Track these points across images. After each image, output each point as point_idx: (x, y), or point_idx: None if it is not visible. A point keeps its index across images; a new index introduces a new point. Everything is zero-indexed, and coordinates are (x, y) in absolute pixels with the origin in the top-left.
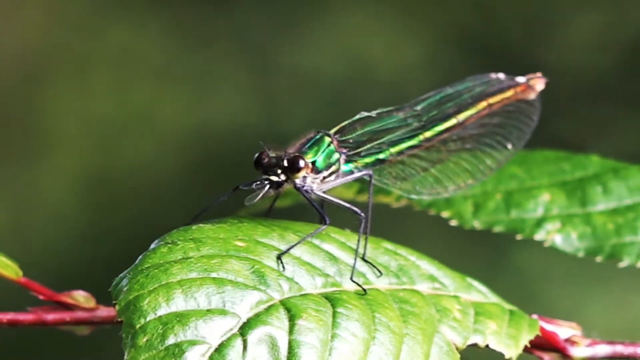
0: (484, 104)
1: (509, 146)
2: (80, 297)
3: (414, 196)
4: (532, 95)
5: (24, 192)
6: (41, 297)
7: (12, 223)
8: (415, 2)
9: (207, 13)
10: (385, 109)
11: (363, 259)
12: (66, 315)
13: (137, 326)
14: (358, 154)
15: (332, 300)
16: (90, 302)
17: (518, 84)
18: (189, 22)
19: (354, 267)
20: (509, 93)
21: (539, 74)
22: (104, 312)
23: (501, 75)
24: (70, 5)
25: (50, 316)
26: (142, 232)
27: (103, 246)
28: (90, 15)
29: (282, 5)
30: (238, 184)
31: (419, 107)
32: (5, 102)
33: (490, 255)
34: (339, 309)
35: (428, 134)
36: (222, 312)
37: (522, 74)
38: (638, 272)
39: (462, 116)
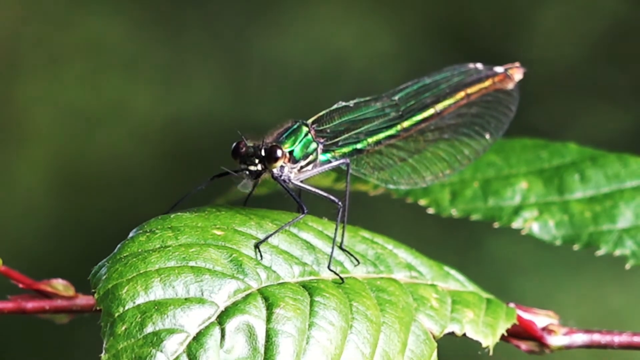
0: (462, 94)
1: (487, 136)
2: (60, 285)
3: (391, 186)
4: (510, 85)
5: None
6: (21, 285)
7: None
8: None
9: (179, 3)
10: (363, 99)
11: (340, 247)
12: (45, 304)
13: (116, 315)
14: (335, 144)
15: (309, 289)
16: (70, 291)
17: (496, 74)
18: (160, 12)
19: (331, 256)
20: (487, 83)
21: (517, 64)
22: (83, 300)
23: (479, 65)
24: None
25: (30, 304)
26: (116, 223)
27: (76, 237)
28: (62, 7)
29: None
30: (216, 173)
31: (396, 97)
32: None
33: (462, 245)
34: (317, 298)
35: (406, 123)
36: (200, 300)
37: (496, 64)
38: (613, 261)
39: (439, 106)
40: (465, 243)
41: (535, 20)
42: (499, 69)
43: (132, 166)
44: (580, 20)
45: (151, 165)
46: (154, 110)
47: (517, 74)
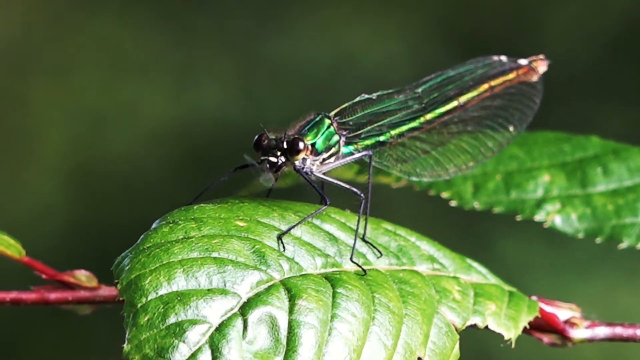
0: (485, 86)
1: (511, 128)
2: (83, 276)
3: (414, 178)
4: (534, 78)
5: (10, 185)
6: (44, 276)
7: (2, 216)
8: None
9: (190, 5)
10: (385, 92)
11: (363, 239)
12: (68, 295)
13: (139, 305)
14: (358, 136)
15: (332, 280)
16: (92, 282)
17: (520, 66)
18: (170, 14)
19: (354, 248)
20: (511, 75)
21: (541, 56)
22: (106, 291)
23: (503, 58)
24: (53, 4)
25: (53, 295)
26: (128, 225)
27: (90, 238)
28: (72, 9)
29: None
30: (239, 164)
31: (419, 90)
32: None
33: (479, 241)
34: (339, 290)
35: (429, 116)
36: (223, 291)
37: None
38: (628, 260)
39: (463, 98)
40: (482, 239)
41: (548, 19)
42: (523, 62)
43: (144, 168)
44: (593, 19)
45: (164, 166)
46: (166, 112)
47: (542, 66)
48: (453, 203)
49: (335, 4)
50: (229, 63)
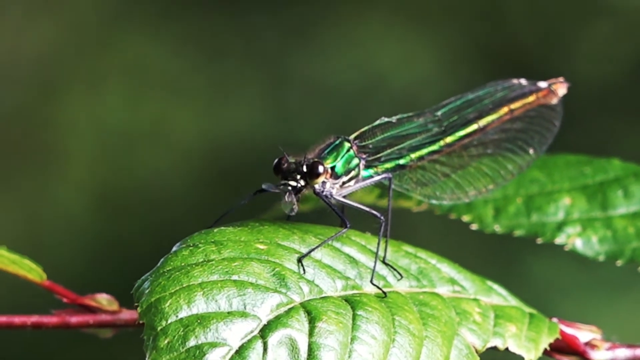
0: (505, 109)
1: (531, 151)
2: (104, 299)
3: (434, 201)
4: (554, 100)
5: (39, 202)
6: (65, 300)
7: (28, 233)
8: (428, 12)
9: (220, 25)
10: (405, 115)
11: (383, 261)
12: (89, 318)
13: (159, 328)
14: (378, 159)
15: (352, 302)
16: (113, 305)
17: (540, 89)
18: (201, 33)
19: (374, 270)
20: (531, 98)
21: (561, 79)
22: (127, 314)
23: (523, 81)
24: (83, 17)
25: (74, 319)
26: (155, 243)
27: (118, 253)
28: (104, 27)
29: (295, 15)
30: (259, 188)
31: (439, 113)
32: (19, 113)
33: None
34: (359, 312)
35: (449, 139)
36: (243, 314)
37: (539, 80)
38: None
39: (483, 122)
40: (504, 261)
41: (577, 39)
42: (542, 84)
43: (172, 186)
44: (623, 39)
45: (191, 185)
46: (194, 130)
47: (561, 89)
48: (474, 226)
49: (366, 22)
50: (258, 82)
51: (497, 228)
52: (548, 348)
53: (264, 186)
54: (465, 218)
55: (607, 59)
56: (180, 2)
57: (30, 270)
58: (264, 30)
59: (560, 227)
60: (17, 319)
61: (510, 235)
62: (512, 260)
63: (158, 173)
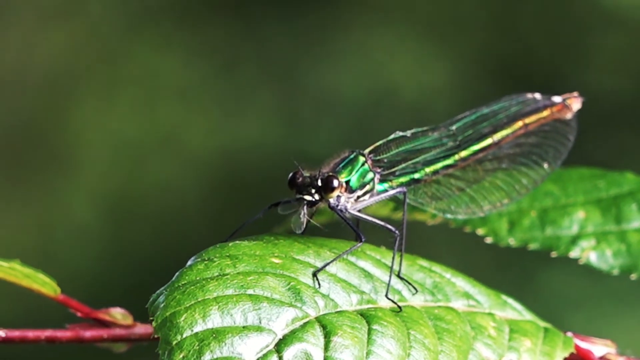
0: (519, 123)
1: (545, 166)
2: (118, 314)
3: (449, 215)
4: (568, 115)
5: (52, 211)
6: (79, 314)
7: (40, 243)
8: (439, 24)
9: (232, 35)
10: (420, 129)
11: (398, 276)
12: (104, 333)
13: (174, 342)
14: (393, 174)
15: (367, 317)
16: (128, 319)
17: (554, 104)
18: (214, 44)
19: (389, 284)
20: (545, 113)
21: (575, 94)
22: (141, 329)
23: (537, 95)
24: (96, 26)
25: (88, 333)
26: (169, 253)
27: (129, 267)
28: (117, 37)
29: (307, 27)
30: (273, 202)
31: (454, 127)
32: (32, 122)
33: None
34: (374, 326)
35: (463, 153)
36: (258, 328)
37: (554, 94)
38: None
39: (497, 136)
40: (518, 275)
41: (592, 52)
42: (557, 99)
43: (184, 197)
44: (631, 52)
45: (203, 195)
46: (206, 141)
47: (576, 103)
48: (488, 240)
49: (377, 33)
50: (270, 93)
51: (512, 241)
52: None
53: (279, 208)
54: (480, 231)
55: (621, 71)
56: (193, 14)
57: (44, 284)
58: (276, 41)
59: (574, 240)
60: (31, 333)
61: (522, 249)
62: (525, 273)
63: (170, 183)
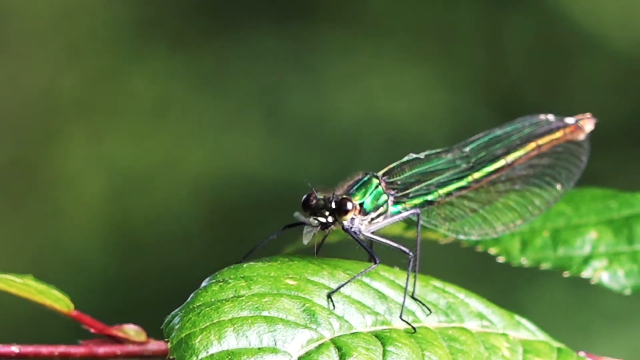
0: (533, 145)
1: (558, 187)
2: (131, 330)
3: (462, 237)
4: (581, 136)
5: (46, 239)
6: (92, 330)
7: (35, 270)
8: (431, 50)
9: (225, 62)
10: (433, 151)
11: (412, 297)
12: (117, 349)
13: None
14: (406, 195)
15: (382, 338)
16: (141, 336)
17: (567, 125)
18: (208, 70)
19: (403, 306)
20: (558, 134)
21: (588, 115)
22: (154, 345)
23: (550, 116)
24: (88, 52)
25: (102, 349)
26: (164, 279)
27: (125, 293)
28: (109, 62)
29: (299, 53)
30: (287, 223)
31: (467, 149)
32: (25, 149)
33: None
34: (389, 348)
35: (477, 175)
36: (274, 350)
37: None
38: None
39: (510, 157)
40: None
41: (586, 76)
42: (570, 120)
43: (180, 222)
44: (623, 72)
45: (198, 221)
46: (201, 167)
47: (588, 124)
48: (501, 259)
49: (367, 57)
50: (265, 119)
51: (524, 261)
52: None
53: (296, 215)
54: (492, 251)
55: (613, 91)
56: (187, 39)
57: (57, 300)
58: (269, 67)
59: (586, 260)
60: (45, 349)
61: (534, 270)
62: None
63: (165, 209)
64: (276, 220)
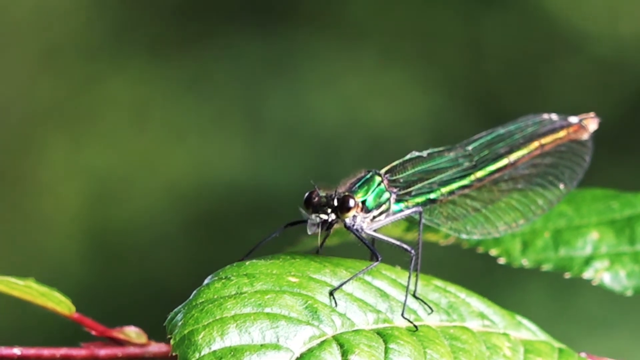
0: (536, 144)
1: (561, 186)
2: (132, 332)
3: (464, 236)
4: (584, 136)
5: (24, 247)
6: (93, 332)
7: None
8: (410, 53)
9: (205, 67)
10: (436, 149)
11: (414, 295)
12: (118, 351)
13: None
14: (409, 194)
15: (384, 336)
16: (142, 338)
17: (571, 125)
18: (187, 75)
19: (405, 304)
20: (562, 133)
21: (592, 114)
22: (155, 347)
23: (554, 116)
24: (67, 57)
25: (103, 351)
26: (144, 285)
27: (105, 300)
28: (88, 68)
29: (279, 57)
30: (289, 221)
31: (470, 147)
32: (2, 155)
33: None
34: (391, 345)
35: (479, 174)
36: (276, 347)
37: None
38: None
39: (513, 156)
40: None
41: (566, 76)
42: (573, 120)
43: (159, 228)
44: (610, 79)
45: (178, 227)
46: (180, 172)
47: (592, 124)
48: (502, 260)
49: (347, 62)
50: (243, 123)
51: (525, 262)
52: None
53: (301, 209)
54: (493, 252)
55: (592, 92)
56: (167, 44)
57: (59, 303)
58: (251, 71)
59: (588, 261)
60: (46, 352)
61: (534, 270)
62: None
63: (144, 215)
64: (257, 226)
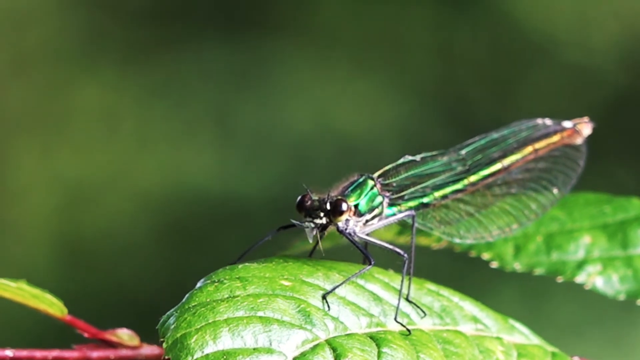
0: (529, 148)
1: (555, 191)
2: (125, 335)
3: (457, 240)
4: (578, 140)
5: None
6: (86, 334)
7: None
8: (382, 60)
9: (176, 74)
10: (429, 153)
11: (407, 299)
12: (110, 353)
13: None
14: (402, 198)
15: (377, 340)
16: (134, 340)
17: (564, 129)
18: (158, 82)
19: (398, 308)
20: (556, 138)
21: (585, 119)
22: (148, 350)
23: (547, 120)
24: (37, 63)
25: (95, 354)
26: (114, 293)
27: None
28: (58, 74)
29: (250, 65)
30: (282, 224)
31: (463, 152)
32: None
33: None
34: (384, 349)
35: (473, 178)
36: (269, 350)
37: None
38: None
39: (507, 161)
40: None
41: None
42: (567, 124)
43: (130, 237)
44: (580, 85)
45: (150, 236)
46: (152, 181)
47: (586, 129)
48: (494, 264)
49: (321, 70)
50: (214, 132)
51: (517, 266)
52: None
53: (292, 221)
54: (485, 256)
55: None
56: (138, 51)
57: (51, 305)
58: (222, 78)
59: (580, 265)
60: (39, 354)
61: (530, 274)
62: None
63: (119, 223)
64: (228, 232)
